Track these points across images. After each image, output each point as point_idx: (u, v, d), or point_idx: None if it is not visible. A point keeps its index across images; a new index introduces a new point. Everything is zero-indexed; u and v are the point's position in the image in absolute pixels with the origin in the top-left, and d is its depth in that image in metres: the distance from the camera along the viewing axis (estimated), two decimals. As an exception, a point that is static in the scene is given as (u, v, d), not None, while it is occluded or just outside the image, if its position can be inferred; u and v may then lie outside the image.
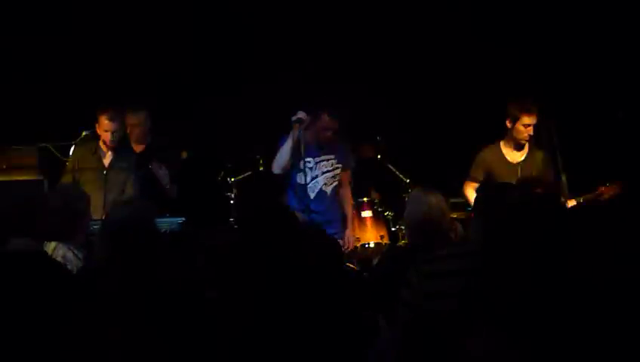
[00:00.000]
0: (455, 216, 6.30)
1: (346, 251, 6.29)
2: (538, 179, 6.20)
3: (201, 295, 3.24)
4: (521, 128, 6.26)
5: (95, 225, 5.57)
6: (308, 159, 6.13)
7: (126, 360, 3.03)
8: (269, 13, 7.73)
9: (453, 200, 6.30)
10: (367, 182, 7.60)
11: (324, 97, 6.25)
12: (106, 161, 6.44)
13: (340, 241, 5.90)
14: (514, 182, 6.09)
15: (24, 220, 3.66)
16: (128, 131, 6.62)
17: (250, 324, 3.07)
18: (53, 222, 3.93)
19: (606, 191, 6.31)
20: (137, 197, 6.23)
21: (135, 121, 6.68)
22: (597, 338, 2.58)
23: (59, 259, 3.95)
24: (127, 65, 7.52)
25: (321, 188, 6.27)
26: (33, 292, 3.29)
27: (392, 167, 7.23)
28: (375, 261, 6.37)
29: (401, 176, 7.19)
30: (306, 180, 5.99)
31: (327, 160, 6.28)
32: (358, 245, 6.71)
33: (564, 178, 6.47)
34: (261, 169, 7.01)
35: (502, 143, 6.40)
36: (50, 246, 4.05)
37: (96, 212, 5.98)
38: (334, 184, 6.34)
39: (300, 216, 4.73)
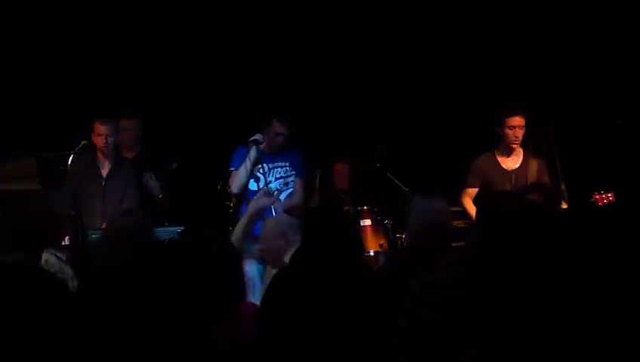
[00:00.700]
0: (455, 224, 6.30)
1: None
2: (533, 186, 6.19)
3: (200, 305, 3.22)
4: (508, 131, 6.26)
5: (94, 234, 5.61)
6: (261, 165, 6.16)
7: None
8: (262, 19, 7.75)
9: (453, 208, 6.28)
10: (367, 190, 7.61)
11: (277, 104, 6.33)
12: (105, 171, 6.45)
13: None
14: (509, 189, 6.10)
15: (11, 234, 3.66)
16: (121, 138, 6.66)
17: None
18: (33, 231, 3.95)
19: (600, 199, 6.32)
20: (137, 206, 6.23)
21: (126, 125, 6.75)
22: (595, 347, 2.58)
23: (42, 264, 3.95)
24: (127, 76, 7.52)
25: None
26: (29, 306, 3.27)
27: (391, 176, 7.23)
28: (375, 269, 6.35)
29: (400, 184, 7.18)
30: (258, 186, 6.02)
31: (282, 166, 6.27)
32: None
33: (563, 186, 6.47)
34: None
35: (496, 151, 6.41)
36: None
37: (96, 221, 5.98)
38: (288, 190, 6.28)
39: None
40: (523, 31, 7.65)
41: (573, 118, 7.36)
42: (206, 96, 7.72)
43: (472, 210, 6.38)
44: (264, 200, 5.77)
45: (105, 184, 6.40)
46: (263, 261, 5.27)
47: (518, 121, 6.24)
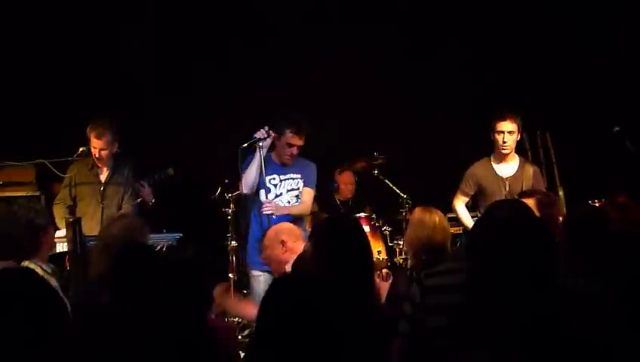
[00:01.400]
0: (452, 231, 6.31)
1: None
2: (527, 191, 6.19)
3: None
4: (496, 136, 6.22)
5: (92, 241, 5.61)
6: (273, 176, 6.03)
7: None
8: (261, 22, 7.77)
9: (449, 215, 6.29)
10: (365, 197, 7.63)
11: (289, 114, 6.05)
12: (103, 177, 6.46)
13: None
14: (503, 195, 6.10)
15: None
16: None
17: None
18: (16, 240, 3.97)
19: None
20: (135, 212, 6.25)
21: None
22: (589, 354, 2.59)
23: None
24: (125, 81, 7.54)
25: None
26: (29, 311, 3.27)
27: (389, 183, 7.24)
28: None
29: (398, 191, 7.20)
30: (267, 197, 5.89)
31: (293, 178, 6.10)
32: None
33: (561, 193, 6.48)
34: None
35: (491, 158, 6.39)
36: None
37: (94, 227, 5.98)
38: (298, 203, 6.11)
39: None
40: (521, 37, 7.68)
41: (571, 125, 7.37)
42: (204, 103, 7.74)
43: (463, 214, 6.38)
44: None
45: (103, 189, 6.41)
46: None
47: (506, 126, 6.16)
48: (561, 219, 5.48)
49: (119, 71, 7.56)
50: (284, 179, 6.07)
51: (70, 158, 6.36)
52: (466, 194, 6.36)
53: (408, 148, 7.78)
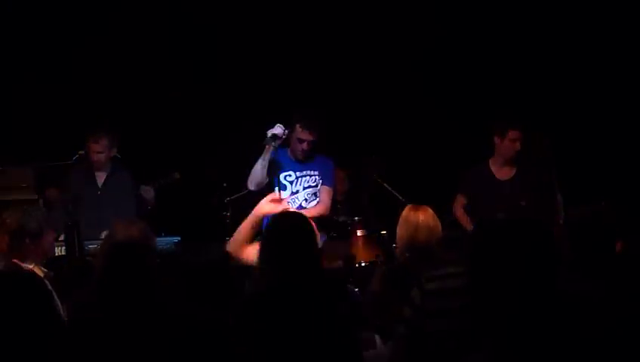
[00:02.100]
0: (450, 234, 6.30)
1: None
2: (527, 196, 6.21)
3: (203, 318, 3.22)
4: (509, 144, 6.25)
5: (91, 244, 5.61)
6: (289, 172, 5.88)
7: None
8: (260, 25, 7.76)
9: (450, 218, 6.29)
10: (363, 200, 7.62)
11: (303, 109, 5.94)
12: (101, 180, 6.46)
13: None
14: (501, 199, 6.12)
15: None
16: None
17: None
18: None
19: None
20: (133, 216, 6.24)
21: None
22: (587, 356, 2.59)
23: None
24: (126, 84, 7.54)
25: (300, 205, 5.94)
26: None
27: (387, 186, 7.23)
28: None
29: (397, 195, 7.19)
30: (283, 195, 5.63)
31: (310, 175, 5.95)
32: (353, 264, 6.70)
33: (559, 197, 6.48)
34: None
35: (490, 161, 6.40)
36: None
37: (91, 231, 5.98)
38: (314, 201, 5.98)
39: None
40: (518, 40, 7.68)
41: (570, 128, 7.38)
42: (204, 107, 7.74)
43: (463, 217, 6.39)
44: (267, 207, 5.53)
45: (101, 193, 6.41)
46: None
47: (519, 134, 6.25)
48: (561, 221, 5.49)
49: (118, 73, 7.55)
50: (301, 176, 5.93)
51: (69, 162, 6.36)
52: (465, 197, 6.38)
53: (407, 151, 7.78)
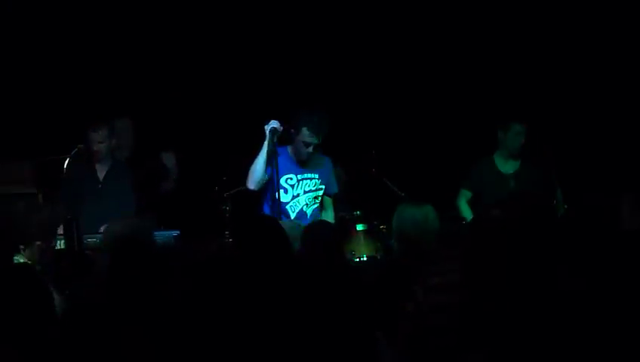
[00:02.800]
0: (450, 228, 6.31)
1: None
2: (530, 192, 6.24)
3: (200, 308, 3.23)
4: (513, 137, 6.34)
5: (90, 238, 5.61)
6: (290, 175, 5.80)
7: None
8: (265, 22, 7.76)
9: (449, 213, 6.31)
10: (362, 195, 7.62)
11: (308, 111, 5.82)
12: (101, 175, 6.45)
13: None
14: (506, 193, 6.17)
15: None
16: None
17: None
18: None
19: None
20: (133, 209, 6.24)
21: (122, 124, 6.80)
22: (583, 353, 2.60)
23: None
24: (124, 78, 7.53)
25: (301, 209, 5.88)
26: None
27: (387, 181, 7.23)
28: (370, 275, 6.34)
29: (396, 189, 7.19)
30: (283, 198, 5.67)
31: (311, 179, 5.88)
32: (352, 259, 6.70)
33: (559, 193, 6.50)
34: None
35: (496, 155, 6.48)
36: None
37: (92, 225, 5.98)
38: (315, 206, 5.93)
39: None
40: (519, 35, 7.68)
41: (570, 123, 7.39)
42: (203, 100, 7.73)
43: (466, 211, 6.45)
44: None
45: (101, 187, 6.40)
46: None
47: (522, 127, 6.36)
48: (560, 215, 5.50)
49: (116, 67, 7.54)
50: (302, 179, 5.86)
51: (68, 156, 6.35)
52: (468, 191, 6.45)
53: (406, 146, 7.78)
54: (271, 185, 5.64)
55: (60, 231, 5.82)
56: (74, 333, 3.10)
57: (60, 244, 5.68)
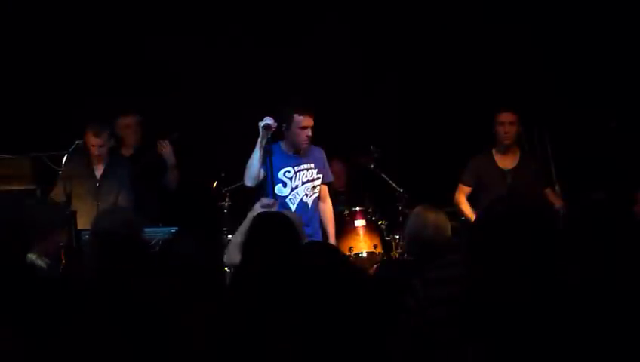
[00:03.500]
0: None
1: None
2: (528, 188, 6.24)
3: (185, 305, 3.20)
4: (498, 128, 6.38)
5: (88, 234, 5.60)
6: (287, 168, 5.82)
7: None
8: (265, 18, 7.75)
9: (448, 209, 6.31)
10: (361, 191, 7.61)
11: (290, 99, 5.89)
12: (99, 172, 6.45)
13: None
14: (504, 188, 6.18)
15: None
16: (122, 135, 6.83)
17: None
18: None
19: None
20: (131, 206, 6.23)
21: (129, 121, 6.88)
22: (586, 347, 2.59)
23: None
24: (123, 75, 7.52)
25: (301, 200, 5.89)
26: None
27: (385, 177, 7.23)
28: (369, 270, 6.34)
29: (395, 185, 7.18)
30: (283, 192, 5.73)
31: (307, 169, 5.90)
32: (351, 254, 6.71)
33: (557, 188, 6.50)
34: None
35: (494, 150, 6.50)
36: None
37: (89, 222, 5.96)
38: (315, 195, 5.94)
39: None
40: (516, 31, 7.66)
41: (567, 119, 7.37)
42: (202, 99, 7.71)
43: (465, 206, 6.46)
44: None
45: (99, 184, 6.40)
46: None
47: (507, 117, 6.37)
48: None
49: (114, 62, 7.53)
50: (299, 171, 5.88)
51: (66, 152, 6.34)
52: (467, 186, 6.46)
53: (405, 141, 7.77)
54: (268, 181, 5.68)
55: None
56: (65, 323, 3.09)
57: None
